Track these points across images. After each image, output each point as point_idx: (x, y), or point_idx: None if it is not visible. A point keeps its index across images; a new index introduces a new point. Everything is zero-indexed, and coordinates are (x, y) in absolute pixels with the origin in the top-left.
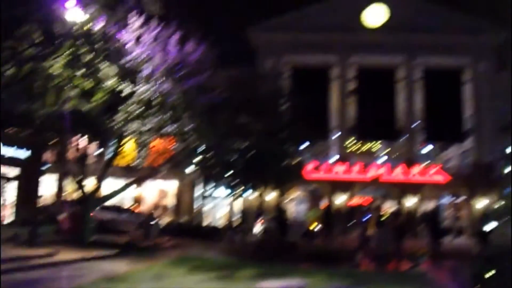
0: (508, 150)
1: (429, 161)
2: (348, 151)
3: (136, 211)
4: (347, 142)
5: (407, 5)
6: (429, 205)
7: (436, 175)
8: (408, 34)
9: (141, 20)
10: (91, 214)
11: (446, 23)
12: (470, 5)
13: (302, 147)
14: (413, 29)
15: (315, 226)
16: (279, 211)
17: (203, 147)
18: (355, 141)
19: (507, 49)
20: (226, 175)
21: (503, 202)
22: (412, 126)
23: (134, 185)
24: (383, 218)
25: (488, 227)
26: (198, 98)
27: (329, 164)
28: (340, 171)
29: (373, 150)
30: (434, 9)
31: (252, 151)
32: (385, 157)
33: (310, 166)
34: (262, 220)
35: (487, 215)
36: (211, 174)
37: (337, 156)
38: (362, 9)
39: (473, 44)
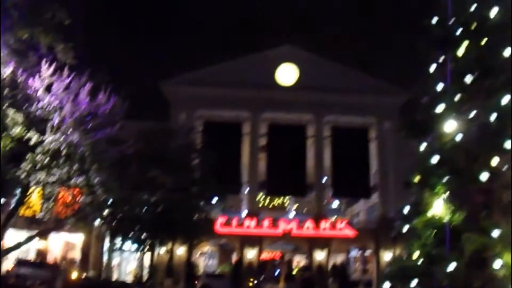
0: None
1: (336, 216)
2: (259, 205)
3: (43, 264)
4: (257, 197)
5: (317, 66)
6: (338, 259)
7: (344, 230)
8: (318, 93)
9: (52, 68)
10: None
11: (353, 84)
12: (378, 68)
13: (212, 201)
14: (322, 89)
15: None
16: (188, 266)
17: (111, 200)
18: (265, 196)
19: (409, 110)
20: (134, 229)
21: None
22: (321, 181)
23: (39, 237)
24: (293, 272)
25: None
26: (108, 150)
27: (239, 218)
28: (250, 226)
29: (283, 205)
30: (343, 70)
31: (162, 205)
32: (294, 212)
33: (220, 221)
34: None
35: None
36: (119, 227)
37: (248, 211)
38: (274, 67)
39: (378, 104)
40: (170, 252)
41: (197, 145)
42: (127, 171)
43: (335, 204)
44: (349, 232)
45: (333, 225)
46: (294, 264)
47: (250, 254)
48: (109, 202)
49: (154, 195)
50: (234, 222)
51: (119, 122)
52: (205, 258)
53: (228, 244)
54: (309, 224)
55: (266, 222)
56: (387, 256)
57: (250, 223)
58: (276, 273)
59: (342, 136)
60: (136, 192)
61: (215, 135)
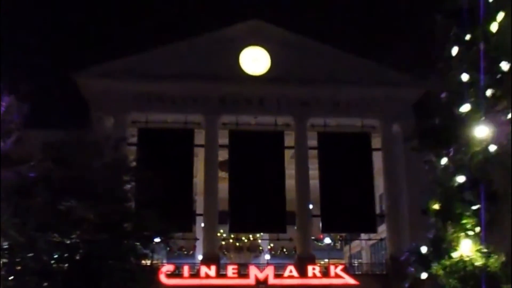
0: (423, 249)
1: (329, 258)
2: (220, 246)
3: None
4: (217, 235)
5: (298, 49)
6: None
7: (340, 277)
8: (298, 87)
9: None
10: None
11: (348, 74)
12: (382, 53)
13: (154, 242)
14: (305, 81)
15: None
16: None
17: (6, 245)
18: (228, 233)
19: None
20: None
21: None
22: (306, 210)
23: None
24: None
25: None
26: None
27: (193, 265)
28: (209, 275)
29: (254, 244)
30: (334, 54)
31: (81, 250)
32: (269, 255)
33: (166, 269)
34: None
35: None
36: (18, 285)
37: (205, 254)
38: (237, 52)
39: (382, 101)
40: None
41: (130, 163)
42: (29, 202)
43: (327, 241)
44: (348, 280)
45: (324, 271)
46: None
47: None
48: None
49: (70, 237)
50: (186, 270)
51: (16, 133)
52: None
53: None
54: (291, 270)
55: (231, 270)
56: None
57: (209, 272)
58: None
59: (333, 146)
60: (43, 232)
61: (155, 148)
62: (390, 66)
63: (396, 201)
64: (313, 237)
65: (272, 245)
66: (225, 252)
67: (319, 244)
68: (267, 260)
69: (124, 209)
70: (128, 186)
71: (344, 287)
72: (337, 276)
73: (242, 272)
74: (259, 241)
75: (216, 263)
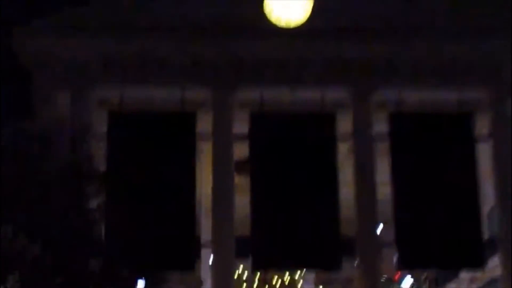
0: None
1: None
2: None
3: None
4: (236, 274)
5: None
6: None
7: None
8: (357, 41)
9: None
10: None
11: (434, 18)
12: None
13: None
14: (368, 31)
15: None
16: None
17: None
18: (251, 270)
19: None
20: None
21: None
22: (372, 234)
23: None
24: None
25: None
26: None
27: None
28: None
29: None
30: None
31: None
32: None
33: None
34: None
35: None
36: None
37: None
38: None
39: (491, 58)
40: None
41: (98, 166)
42: None
43: (406, 283)
44: None
45: None
46: None
47: None
48: None
49: (3, 282)
50: None
51: None
52: None
53: None
54: None
55: None
56: None
57: None
58: None
59: (413, 136)
60: None
61: (135, 141)
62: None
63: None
64: (384, 276)
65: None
66: None
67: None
68: None
69: (88, 237)
70: (93, 203)
71: None
72: None
73: None
74: (300, 283)
75: None
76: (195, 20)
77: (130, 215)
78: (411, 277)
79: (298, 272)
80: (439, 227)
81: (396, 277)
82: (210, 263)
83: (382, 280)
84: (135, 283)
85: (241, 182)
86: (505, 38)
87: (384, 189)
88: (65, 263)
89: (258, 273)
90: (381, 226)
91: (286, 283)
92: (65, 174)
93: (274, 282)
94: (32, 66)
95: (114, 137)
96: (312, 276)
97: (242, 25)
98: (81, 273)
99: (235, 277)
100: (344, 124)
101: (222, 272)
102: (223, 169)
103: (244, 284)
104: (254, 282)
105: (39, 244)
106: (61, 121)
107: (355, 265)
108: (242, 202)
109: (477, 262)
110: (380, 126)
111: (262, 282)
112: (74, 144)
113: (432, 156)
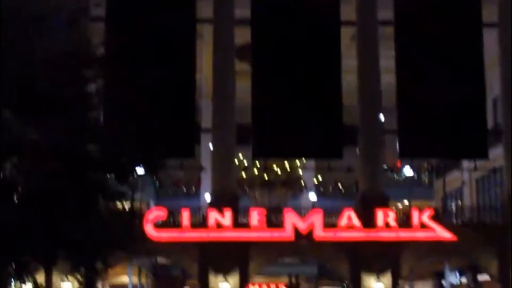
0: None
1: (410, 198)
2: (239, 180)
3: None
4: (236, 162)
5: None
6: None
7: (429, 228)
8: None
9: None
10: None
11: None
12: None
13: (137, 174)
14: None
15: None
16: None
17: None
18: (252, 158)
19: None
20: None
21: None
22: (375, 123)
23: None
24: None
25: None
26: None
27: (198, 209)
28: (223, 224)
29: (292, 176)
30: None
31: (21, 186)
32: (315, 195)
33: (155, 215)
34: None
35: None
36: None
37: (214, 193)
38: None
39: None
40: None
41: (96, 49)
42: None
43: (407, 172)
44: (440, 233)
45: (404, 219)
46: None
47: (223, 285)
48: None
49: (1, 166)
50: (186, 218)
51: None
52: None
53: (171, 268)
54: (350, 217)
55: (255, 217)
56: None
57: (222, 219)
58: None
59: (418, 20)
60: None
61: (134, 24)
62: None
63: None
64: (385, 166)
65: (320, 178)
66: (247, 190)
67: (395, 176)
68: (313, 202)
69: (87, 123)
70: (92, 88)
71: (434, 243)
72: (423, 226)
73: (274, 221)
74: (300, 172)
75: (233, 207)
76: None
77: (129, 100)
78: (412, 166)
79: (298, 161)
80: (442, 116)
81: (398, 165)
82: (210, 149)
83: (383, 168)
84: (134, 170)
85: (243, 68)
86: None
87: (388, 76)
88: (63, 148)
89: (258, 162)
90: (383, 115)
91: (286, 171)
92: (61, 56)
93: (274, 169)
94: None
95: (112, 21)
96: (312, 164)
97: None
98: (79, 158)
99: (235, 164)
100: (348, 10)
101: (222, 159)
102: (223, 54)
103: (244, 172)
104: (253, 169)
105: (37, 129)
106: (56, 2)
107: (357, 153)
108: (243, 89)
109: (480, 151)
110: (385, 12)
111: (261, 169)
112: (70, 27)
113: (436, 41)
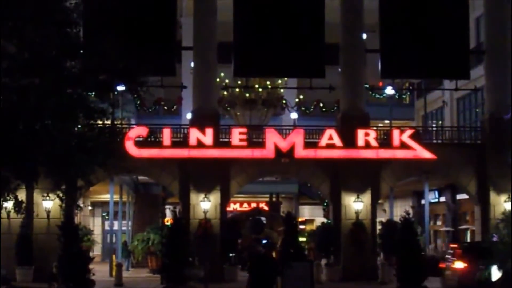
0: None
1: (391, 117)
2: (220, 97)
3: None
4: (217, 80)
5: None
6: (397, 211)
7: (409, 147)
8: None
9: None
10: None
11: None
12: None
13: (117, 90)
14: None
15: None
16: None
17: None
18: (233, 76)
19: None
20: None
21: None
22: (357, 40)
23: None
24: (300, 243)
25: None
26: None
27: (179, 127)
28: (204, 142)
29: (274, 95)
30: None
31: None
32: (296, 114)
33: (135, 133)
34: None
35: None
36: None
37: (195, 110)
38: None
39: None
40: (26, 208)
41: None
42: None
43: (389, 91)
44: (421, 152)
45: (384, 138)
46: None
47: (204, 206)
48: None
49: None
50: (167, 136)
51: None
52: (104, 218)
53: (152, 186)
54: (331, 135)
55: (237, 135)
56: (503, 202)
57: (203, 138)
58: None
59: None
60: None
61: None
62: None
63: (503, 30)
64: (366, 85)
65: (301, 97)
66: (228, 108)
67: (376, 96)
68: (294, 120)
69: (67, 37)
70: (72, 2)
71: (414, 162)
72: (403, 145)
73: (255, 139)
74: (281, 90)
75: (214, 125)
76: None
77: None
78: (393, 86)
79: (279, 80)
80: (424, 35)
81: (380, 84)
82: (191, 66)
83: (364, 87)
84: (114, 86)
85: None
86: None
87: None
88: (42, 62)
89: (239, 80)
90: (365, 33)
91: (266, 89)
92: None
93: (255, 87)
94: None
95: None
96: (294, 83)
97: None
98: (59, 74)
99: (217, 82)
100: None
101: (203, 77)
102: None
103: (225, 91)
104: (235, 88)
105: (16, 41)
106: None
107: (338, 71)
108: (225, 6)
109: (462, 71)
110: None
111: (243, 88)
112: None
113: None
